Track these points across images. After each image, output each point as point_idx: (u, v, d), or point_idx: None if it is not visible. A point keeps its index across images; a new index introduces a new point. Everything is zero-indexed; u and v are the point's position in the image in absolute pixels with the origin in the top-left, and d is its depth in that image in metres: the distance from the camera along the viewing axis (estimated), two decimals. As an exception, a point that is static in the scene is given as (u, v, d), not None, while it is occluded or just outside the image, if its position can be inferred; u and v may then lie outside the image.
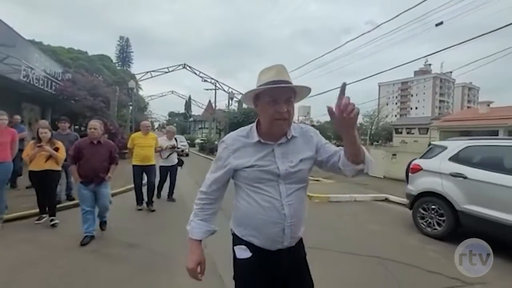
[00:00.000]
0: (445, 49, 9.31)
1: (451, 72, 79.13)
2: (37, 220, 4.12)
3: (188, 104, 54.12)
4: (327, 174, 11.92)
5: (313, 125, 35.58)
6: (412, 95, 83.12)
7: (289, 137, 1.19)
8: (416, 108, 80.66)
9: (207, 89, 26.23)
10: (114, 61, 33.70)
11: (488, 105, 25.58)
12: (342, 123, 0.96)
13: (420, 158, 4.83)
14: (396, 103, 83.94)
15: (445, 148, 4.44)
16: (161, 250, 3.44)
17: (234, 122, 18.00)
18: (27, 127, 8.33)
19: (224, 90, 24.94)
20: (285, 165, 1.16)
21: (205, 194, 1.26)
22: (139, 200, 5.22)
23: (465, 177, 3.91)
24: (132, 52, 42.51)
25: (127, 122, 18.31)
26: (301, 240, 1.28)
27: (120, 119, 16.61)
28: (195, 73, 24.99)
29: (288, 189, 1.15)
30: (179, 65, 24.22)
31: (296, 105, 1.29)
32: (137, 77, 24.61)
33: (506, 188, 3.47)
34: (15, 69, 8.02)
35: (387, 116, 56.36)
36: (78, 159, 3.47)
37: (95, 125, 3.51)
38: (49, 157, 3.89)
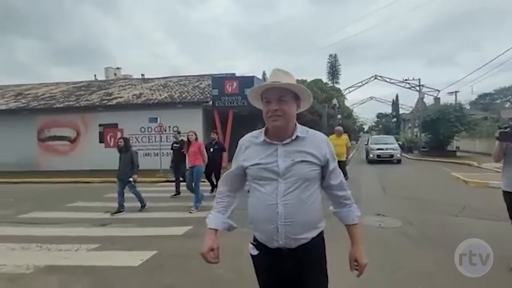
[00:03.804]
0: None
1: None
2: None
3: (395, 104, 55.17)
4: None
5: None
6: None
7: (293, 138, 1.22)
8: None
9: (409, 88, 25.66)
10: (325, 76, 44.16)
11: None
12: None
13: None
14: None
15: None
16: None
17: (427, 120, 17.29)
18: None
19: (417, 90, 24.58)
20: (286, 163, 1.18)
21: (219, 190, 1.42)
22: None
23: None
24: (340, 65, 49.28)
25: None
26: (313, 242, 1.23)
27: (329, 127, 22.23)
28: (386, 81, 26.49)
29: (287, 188, 1.17)
30: (371, 77, 27.55)
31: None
32: (342, 90, 31.18)
33: None
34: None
35: None
36: None
37: None
38: None
